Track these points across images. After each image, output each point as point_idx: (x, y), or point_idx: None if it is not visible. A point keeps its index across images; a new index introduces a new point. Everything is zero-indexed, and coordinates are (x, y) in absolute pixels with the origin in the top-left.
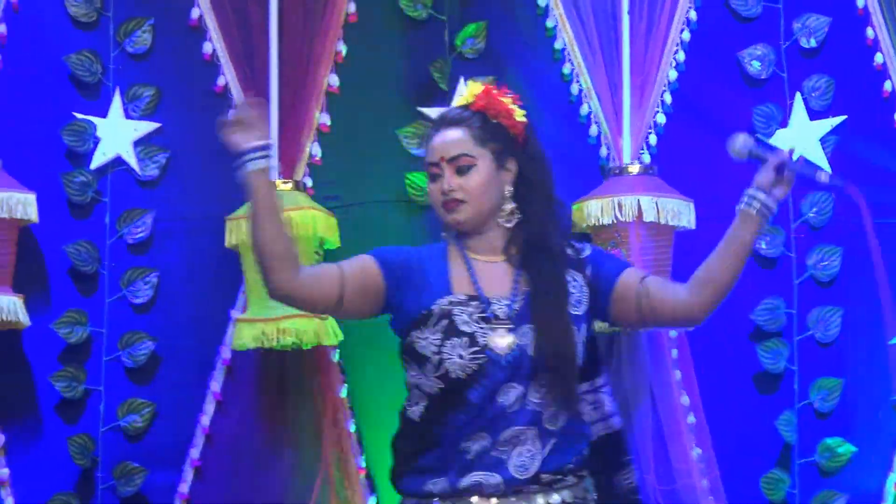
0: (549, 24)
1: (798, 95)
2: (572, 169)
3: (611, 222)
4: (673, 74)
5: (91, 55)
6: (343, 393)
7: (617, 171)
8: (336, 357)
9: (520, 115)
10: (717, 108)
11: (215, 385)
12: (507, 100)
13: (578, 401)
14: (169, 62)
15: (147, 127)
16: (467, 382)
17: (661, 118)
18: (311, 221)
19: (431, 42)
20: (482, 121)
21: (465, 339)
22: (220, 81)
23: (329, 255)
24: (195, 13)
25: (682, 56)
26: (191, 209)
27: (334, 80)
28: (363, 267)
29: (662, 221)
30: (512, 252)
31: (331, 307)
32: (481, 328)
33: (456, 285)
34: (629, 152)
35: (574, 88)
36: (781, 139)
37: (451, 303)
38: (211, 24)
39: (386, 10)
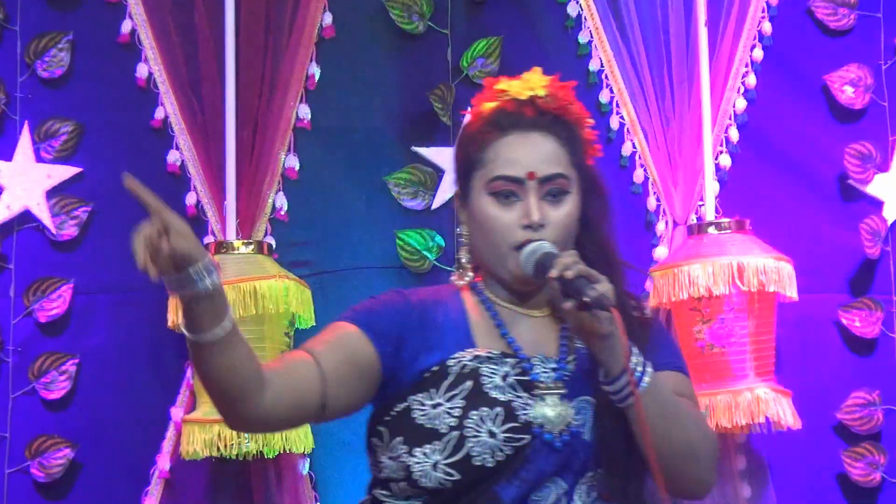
0: (582, 39)
1: None
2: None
3: (714, 292)
4: (741, 104)
5: None
6: None
7: (695, 231)
8: (306, 469)
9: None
10: (797, 147)
11: None
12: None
13: None
14: (92, 89)
15: (64, 173)
16: (496, 473)
17: (726, 160)
18: (284, 294)
19: (430, 63)
20: (567, 129)
21: (500, 409)
22: (158, 114)
23: (300, 336)
24: (126, 26)
25: (752, 80)
26: (119, 278)
27: (305, 111)
28: (345, 345)
29: (770, 288)
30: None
31: (312, 415)
32: (520, 397)
33: (480, 338)
34: (712, 205)
35: (614, 121)
36: (881, 186)
37: (476, 358)
38: (146, 39)
39: (372, 23)
